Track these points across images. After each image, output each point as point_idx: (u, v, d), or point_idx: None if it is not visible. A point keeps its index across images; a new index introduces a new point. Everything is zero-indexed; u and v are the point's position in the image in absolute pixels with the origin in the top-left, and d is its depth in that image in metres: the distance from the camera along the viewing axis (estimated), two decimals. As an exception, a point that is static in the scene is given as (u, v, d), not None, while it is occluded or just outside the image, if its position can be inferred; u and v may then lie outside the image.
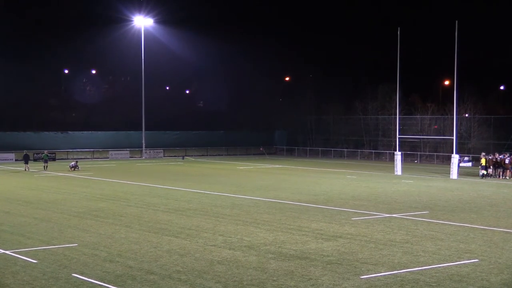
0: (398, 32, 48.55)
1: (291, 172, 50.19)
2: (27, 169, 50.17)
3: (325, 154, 72.97)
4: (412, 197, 32.94)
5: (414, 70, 79.92)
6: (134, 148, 70.39)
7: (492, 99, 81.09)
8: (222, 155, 74.19)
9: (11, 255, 18.24)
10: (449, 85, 79.82)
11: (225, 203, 29.88)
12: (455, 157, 45.43)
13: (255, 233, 21.83)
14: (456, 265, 17.15)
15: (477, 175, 45.75)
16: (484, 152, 49.50)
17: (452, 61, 45.32)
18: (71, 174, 46.46)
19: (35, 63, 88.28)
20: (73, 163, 51.73)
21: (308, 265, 17.10)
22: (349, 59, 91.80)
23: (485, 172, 44.96)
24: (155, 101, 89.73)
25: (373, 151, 70.35)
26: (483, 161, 45.33)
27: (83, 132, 74.67)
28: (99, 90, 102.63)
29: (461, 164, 48.05)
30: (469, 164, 47.93)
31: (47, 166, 50.80)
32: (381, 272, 16.33)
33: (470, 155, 58.88)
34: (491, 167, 45.89)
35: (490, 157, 46.31)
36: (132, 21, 69.05)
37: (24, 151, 54.11)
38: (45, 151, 53.85)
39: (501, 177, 44.87)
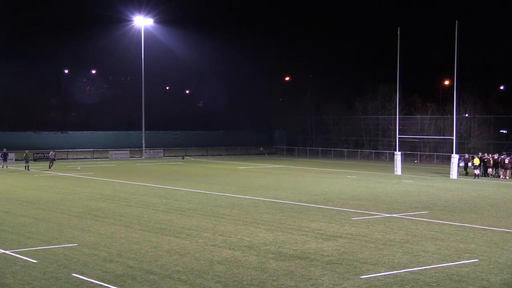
0: (398, 32, 48.56)
1: (291, 172, 50.18)
2: (5, 166, 51.89)
3: (325, 154, 72.97)
4: (412, 197, 32.94)
5: (414, 70, 79.93)
6: (134, 148, 70.42)
7: (492, 99, 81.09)
8: (222, 155, 74.19)
9: (11, 255, 18.24)
10: (449, 85, 79.81)
11: (225, 203, 29.88)
12: (455, 157, 45.45)
13: (255, 233, 21.83)
14: (456, 265, 17.16)
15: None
16: (482, 152, 49.54)
17: (452, 61, 45.34)
18: (71, 174, 46.46)
19: (35, 63, 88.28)
20: (52, 152, 52.72)
21: (308, 265, 17.10)
22: (349, 59, 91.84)
23: (477, 172, 44.96)
24: (155, 101, 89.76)
25: (373, 151, 70.35)
26: (476, 161, 45.35)
27: (83, 132, 74.70)
28: (99, 90, 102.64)
29: (461, 164, 48.07)
30: (469, 164, 47.91)
31: (28, 167, 50.40)
32: (381, 272, 16.33)
33: (470, 155, 58.85)
34: (489, 167, 45.88)
35: (489, 157, 46.31)
36: (132, 21, 69.07)
37: (4, 149, 54.23)
38: (26, 151, 53.32)
39: (501, 177, 44.87)
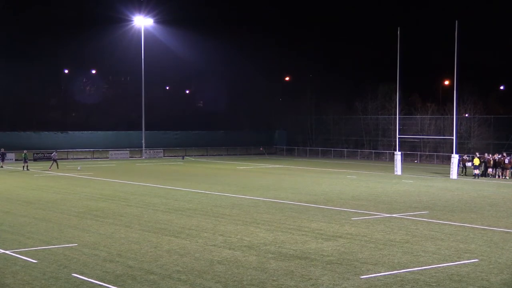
0: (398, 32, 48.56)
1: (291, 172, 50.18)
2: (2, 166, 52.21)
3: (325, 154, 72.96)
4: (412, 197, 32.94)
5: (414, 70, 79.93)
6: (134, 148, 70.41)
7: (492, 99, 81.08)
8: (222, 155, 74.19)
9: (11, 255, 18.24)
10: (449, 85, 79.81)
11: (225, 203, 29.88)
12: (455, 157, 45.45)
13: (255, 233, 21.83)
14: (456, 265, 17.16)
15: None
16: (484, 152, 49.58)
17: (452, 61, 45.34)
18: (71, 174, 46.47)
19: (35, 63, 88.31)
20: (54, 153, 53.22)
21: (308, 265, 17.10)
22: (349, 59, 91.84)
23: (477, 172, 45.01)
24: (155, 101, 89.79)
25: (373, 151, 70.33)
26: (476, 161, 45.35)
27: (83, 132, 74.72)
28: (99, 90, 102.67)
29: (460, 164, 48.07)
30: (469, 164, 47.92)
31: (27, 166, 50.37)
32: (381, 272, 16.33)
33: (470, 155, 58.85)
34: (489, 167, 45.85)
35: (489, 157, 46.30)
36: (132, 21, 69.07)
37: (2, 149, 54.26)
38: (25, 151, 53.25)
39: (501, 177, 44.86)
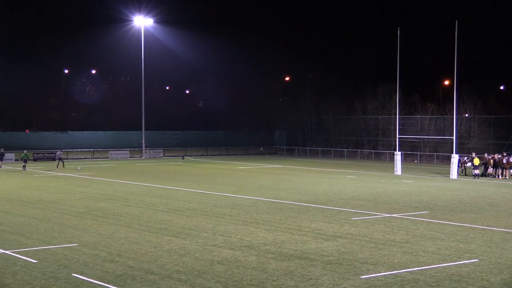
0: (398, 32, 48.56)
1: (291, 172, 50.18)
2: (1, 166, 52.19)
3: (325, 154, 72.95)
4: (412, 197, 32.94)
5: (414, 70, 79.98)
6: (134, 148, 70.42)
7: (492, 99, 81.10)
8: (222, 155, 74.19)
9: (11, 255, 18.24)
10: (449, 85, 79.85)
11: (225, 203, 29.87)
12: (455, 157, 45.45)
13: (255, 233, 21.83)
14: (456, 265, 17.16)
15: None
16: (484, 152, 49.56)
17: (452, 61, 45.34)
18: (71, 174, 46.47)
19: (35, 63, 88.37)
20: (59, 152, 53.18)
21: (308, 265, 17.10)
22: (349, 59, 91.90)
23: (477, 172, 45.00)
24: (155, 101, 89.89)
25: (373, 151, 70.32)
26: (476, 161, 45.33)
27: (83, 132, 74.76)
28: (99, 90, 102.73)
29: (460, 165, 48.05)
30: (469, 164, 47.91)
31: (25, 167, 50.44)
32: (381, 272, 16.33)
33: (470, 155, 58.81)
34: (489, 167, 45.84)
35: (489, 157, 46.28)
36: (132, 21, 69.08)
37: (1, 149, 54.30)
38: (25, 151, 53.39)
39: (500, 177, 44.85)
